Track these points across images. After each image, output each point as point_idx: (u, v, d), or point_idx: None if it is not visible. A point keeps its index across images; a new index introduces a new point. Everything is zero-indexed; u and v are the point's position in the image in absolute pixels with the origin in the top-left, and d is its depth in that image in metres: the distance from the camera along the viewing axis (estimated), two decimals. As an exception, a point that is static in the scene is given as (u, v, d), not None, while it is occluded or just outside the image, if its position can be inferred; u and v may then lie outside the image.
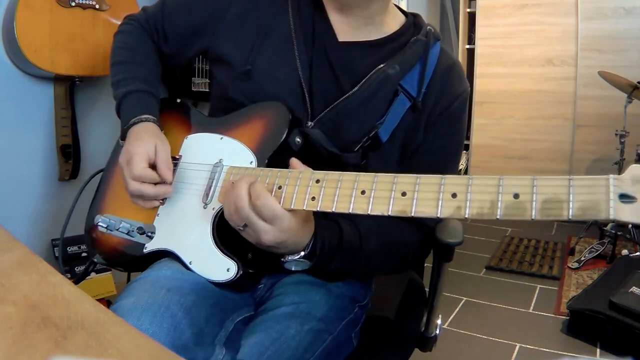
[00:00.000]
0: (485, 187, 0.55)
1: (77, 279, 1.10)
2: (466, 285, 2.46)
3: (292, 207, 0.67)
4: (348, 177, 0.64)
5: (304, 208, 0.66)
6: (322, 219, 0.76)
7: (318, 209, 0.65)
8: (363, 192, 0.62)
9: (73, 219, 1.04)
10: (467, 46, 4.02)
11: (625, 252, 2.63)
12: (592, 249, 2.74)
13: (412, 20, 0.92)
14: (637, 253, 2.51)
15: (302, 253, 0.73)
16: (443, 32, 4.23)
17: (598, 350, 1.86)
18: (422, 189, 0.59)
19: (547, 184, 0.52)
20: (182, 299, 0.71)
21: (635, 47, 3.24)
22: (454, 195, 0.57)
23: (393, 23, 0.90)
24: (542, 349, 1.86)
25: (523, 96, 3.66)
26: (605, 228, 2.80)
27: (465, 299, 2.31)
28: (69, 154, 1.58)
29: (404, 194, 0.60)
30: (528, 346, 1.89)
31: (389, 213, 0.60)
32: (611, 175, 0.50)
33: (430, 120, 0.86)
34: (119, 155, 0.85)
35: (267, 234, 0.67)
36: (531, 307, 2.22)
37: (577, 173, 3.87)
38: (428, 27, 0.90)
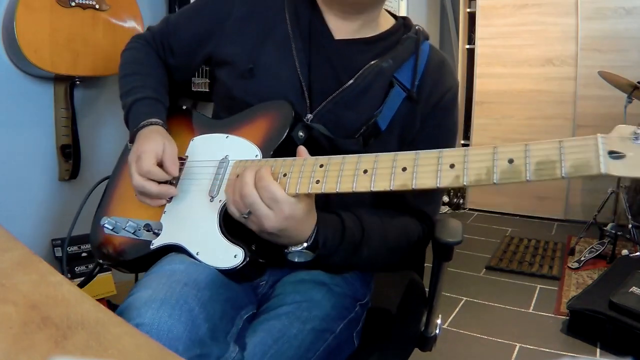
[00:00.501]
0: (481, 155, 0.58)
1: (82, 282, 1.11)
2: (466, 285, 2.46)
3: (297, 191, 0.69)
4: (350, 159, 0.67)
5: (309, 191, 0.68)
6: (325, 212, 0.78)
7: (322, 191, 0.67)
8: (365, 171, 0.65)
9: (73, 219, 1.04)
10: (467, 46, 4.02)
11: (625, 252, 2.63)
12: (592, 249, 2.74)
13: (402, 22, 0.97)
14: (637, 253, 2.51)
15: (305, 244, 0.74)
16: (443, 32, 4.23)
17: (598, 350, 1.86)
18: (422, 162, 0.62)
19: (539, 147, 0.55)
20: (199, 293, 0.71)
21: (635, 47, 3.23)
22: (452, 166, 0.59)
23: (384, 24, 0.95)
24: (542, 349, 1.86)
25: (523, 96, 3.66)
26: (605, 228, 2.80)
27: (465, 299, 2.31)
28: (69, 154, 1.58)
29: (404, 169, 0.62)
30: (528, 346, 1.89)
31: (391, 188, 0.62)
32: (599, 135, 0.53)
33: (426, 111, 0.90)
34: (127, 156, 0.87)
35: (269, 219, 0.69)
36: (531, 307, 2.22)
37: (577, 173, 3.81)
38: (417, 27, 0.96)
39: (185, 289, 0.71)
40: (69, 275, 1.55)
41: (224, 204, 0.78)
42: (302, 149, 0.74)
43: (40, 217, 1.58)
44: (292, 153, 0.74)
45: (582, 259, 2.67)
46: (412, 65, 0.90)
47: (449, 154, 0.60)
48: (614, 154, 0.52)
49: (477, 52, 3.79)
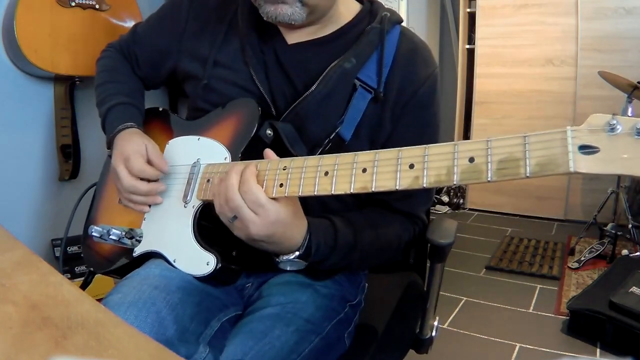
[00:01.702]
0: (441, 155, 0.56)
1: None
2: (466, 285, 2.46)
3: None
4: (312, 161, 0.65)
5: (273, 195, 0.67)
6: (315, 217, 0.76)
7: (286, 195, 0.66)
8: (326, 174, 0.63)
9: (73, 219, 1.05)
10: (467, 46, 4.02)
11: (625, 252, 2.63)
12: (592, 249, 2.73)
13: (369, 7, 0.88)
14: (637, 253, 2.51)
15: (297, 253, 0.72)
16: (443, 32, 4.23)
17: (598, 350, 1.86)
18: (381, 164, 0.59)
19: (502, 145, 0.51)
20: (168, 296, 0.72)
21: (635, 47, 3.23)
22: (411, 167, 0.57)
23: (347, 14, 0.87)
24: (542, 349, 1.86)
25: (523, 96, 3.66)
26: (605, 228, 2.80)
27: (465, 299, 2.31)
28: (69, 154, 1.58)
29: (364, 170, 0.60)
30: (528, 346, 1.89)
31: (351, 191, 0.61)
32: (569, 127, 0.48)
33: (396, 109, 0.83)
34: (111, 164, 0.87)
35: (255, 225, 0.67)
36: (531, 307, 2.22)
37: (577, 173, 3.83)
38: (384, 13, 0.85)
39: (154, 292, 0.71)
40: (68, 276, 1.55)
41: (198, 210, 0.79)
42: (268, 152, 0.71)
43: (40, 217, 1.58)
44: (261, 152, 0.72)
45: (582, 259, 2.67)
46: (376, 61, 0.81)
47: (409, 154, 0.58)
48: (585, 149, 0.46)
49: (477, 52, 3.79)
